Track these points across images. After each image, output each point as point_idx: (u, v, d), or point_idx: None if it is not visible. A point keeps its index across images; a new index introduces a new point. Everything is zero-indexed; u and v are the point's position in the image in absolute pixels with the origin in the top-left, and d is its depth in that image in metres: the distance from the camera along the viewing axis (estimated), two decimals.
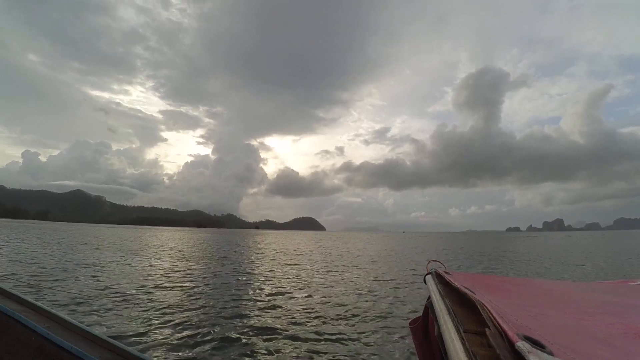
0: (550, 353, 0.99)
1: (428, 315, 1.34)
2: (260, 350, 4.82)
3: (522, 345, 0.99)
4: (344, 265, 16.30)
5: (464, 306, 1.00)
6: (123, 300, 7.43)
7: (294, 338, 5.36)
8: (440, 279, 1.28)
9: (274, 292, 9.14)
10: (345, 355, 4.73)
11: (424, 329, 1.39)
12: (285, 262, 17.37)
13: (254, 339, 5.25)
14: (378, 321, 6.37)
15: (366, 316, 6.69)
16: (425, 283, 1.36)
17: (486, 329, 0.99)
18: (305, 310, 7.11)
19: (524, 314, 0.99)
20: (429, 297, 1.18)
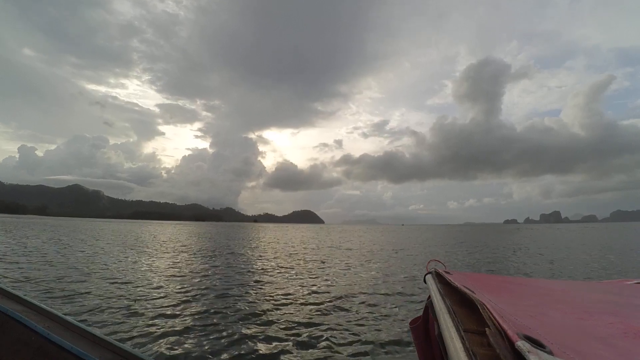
0: (550, 352, 1.00)
1: (428, 315, 1.34)
2: (259, 348, 4.85)
3: (522, 345, 0.99)
4: (342, 261, 16.34)
5: (464, 306, 1.00)
6: (123, 299, 7.48)
7: (291, 336, 5.36)
8: (440, 278, 1.28)
9: (273, 288, 9.21)
10: (345, 354, 4.74)
11: (424, 328, 1.39)
12: (283, 257, 17.46)
13: (253, 338, 5.27)
14: (378, 320, 6.39)
15: (366, 315, 6.70)
16: (425, 282, 1.36)
17: (486, 329, 0.99)
18: (303, 307, 7.14)
19: (524, 314, 1.00)
20: (429, 297, 1.18)
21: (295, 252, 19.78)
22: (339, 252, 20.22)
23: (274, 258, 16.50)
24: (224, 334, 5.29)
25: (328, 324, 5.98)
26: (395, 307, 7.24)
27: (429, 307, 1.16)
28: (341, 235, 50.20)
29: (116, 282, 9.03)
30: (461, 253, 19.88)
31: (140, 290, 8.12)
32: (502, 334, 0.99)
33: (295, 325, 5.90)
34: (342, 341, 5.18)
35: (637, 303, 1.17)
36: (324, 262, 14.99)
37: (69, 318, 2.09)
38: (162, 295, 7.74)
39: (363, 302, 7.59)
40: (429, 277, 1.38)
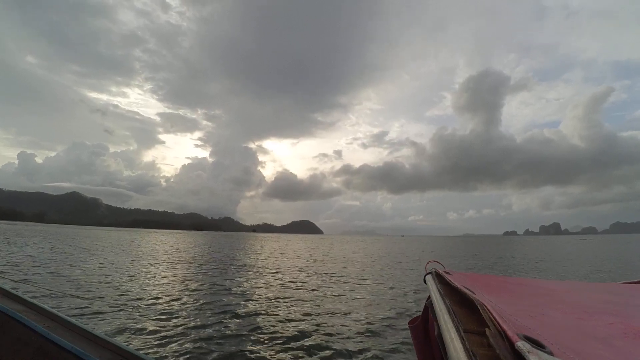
0: (550, 353, 0.99)
1: (427, 315, 1.34)
2: (260, 351, 4.82)
3: (522, 345, 0.99)
4: (342, 267, 16.32)
5: (464, 306, 1.00)
6: (125, 304, 7.43)
7: (291, 338, 5.36)
8: (440, 278, 1.28)
9: (272, 293, 9.15)
10: (344, 355, 4.73)
11: (424, 328, 1.39)
12: (284, 265, 17.35)
13: (253, 340, 5.25)
14: (377, 320, 6.41)
15: (365, 315, 6.73)
16: (425, 283, 1.36)
17: (486, 329, 0.99)
18: (303, 310, 7.12)
19: (524, 314, 0.99)
20: (429, 297, 1.17)
21: (295, 262, 19.66)
22: (338, 262, 20.13)
23: (272, 265, 16.39)
24: (222, 339, 5.23)
25: (326, 326, 5.98)
26: (394, 308, 7.24)
27: (429, 307, 1.16)
28: (341, 245, 49.95)
29: (115, 288, 8.96)
30: (464, 265, 19.77)
31: (139, 295, 8.06)
32: (502, 334, 0.99)
33: (294, 325, 5.88)
34: (340, 341, 5.17)
35: (637, 303, 1.16)
36: (324, 271, 14.89)
37: (69, 318, 2.09)
38: (161, 301, 7.68)
39: (361, 303, 7.59)
40: (428, 278, 1.38)
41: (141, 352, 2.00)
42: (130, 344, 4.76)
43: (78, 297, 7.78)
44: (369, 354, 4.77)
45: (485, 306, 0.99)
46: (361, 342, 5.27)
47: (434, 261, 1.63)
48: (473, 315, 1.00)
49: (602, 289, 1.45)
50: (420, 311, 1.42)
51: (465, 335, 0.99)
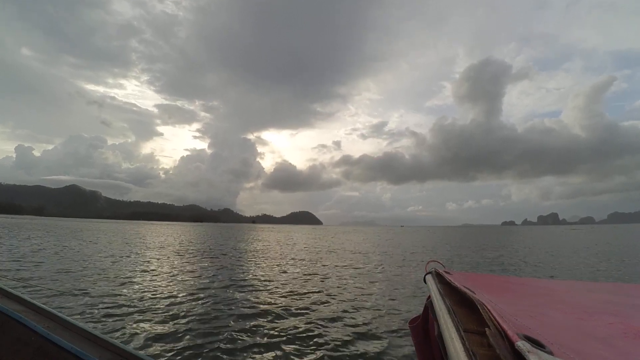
0: (550, 353, 1.00)
1: (427, 314, 1.34)
2: (257, 350, 4.85)
3: (522, 345, 1.00)
4: (340, 262, 16.36)
5: (464, 306, 1.00)
6: (122, 300, 7.42)
7: (289, 337, 5.35)
8: (440, 278, 1.28)
9: (273, 290, 9.18)
10: (343, 354, 4.73)
11: (424, 328, 1.39)
12: (283, 258, 17.40)
13: (252, 340, 5.26)
14: (376, 319, 6.40)
15: (364, 314, 6.73)
16: (425, 282, 1.36)
17: (486, 329, 1.00)
18: (301, 308, 7.13)
19: (524, 314, 1.00)
20: (429, 297, 1.18)
21: (295, 254, 19.74)
22: (338, 254, 20.21)
23: (269, 260, 16.44)
24: (223, 336, 5.28)
25: (326, 324, 5.98)
26: (394, 307, 7.25)
27: (429, 307, 1.15)
28: (340, 236, 50.16)
29: (115, 284, 8.98)
30: (461, 255, 19.89)
31: (140, 291, 8.08)
32: (502, 334, 1.00)
33: (294, 325, 5.89)
34: (339, 341, 5.16)
35: (637, 303, 1.17)
36: (323, 264, 14.95)
37: (69, 318, 2.09)
38: (160, 297, 7.69)
39: (360, 302, 7.59)
40: (428, 277, 1.38)
41: (141, 352, 1.96)
42: (131, 343, 4.78)
43: (78, 295, 7.77)
44: (368, 354, 4.76)
45: (485, 306, 1.00)
46: (360, 341, 5.26)
47: (434, 261, 1.63)
48: (473, 315, 1.00)
49: (602, 289, 1.45)
50: (420, 311, 1.40)
51: (465, 335, 1.00)
